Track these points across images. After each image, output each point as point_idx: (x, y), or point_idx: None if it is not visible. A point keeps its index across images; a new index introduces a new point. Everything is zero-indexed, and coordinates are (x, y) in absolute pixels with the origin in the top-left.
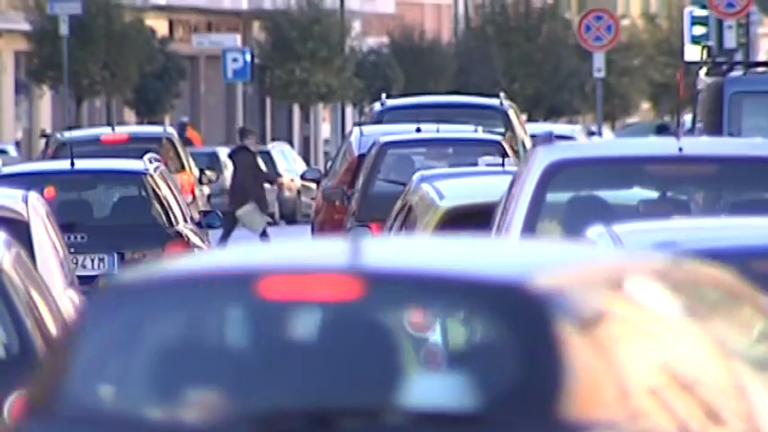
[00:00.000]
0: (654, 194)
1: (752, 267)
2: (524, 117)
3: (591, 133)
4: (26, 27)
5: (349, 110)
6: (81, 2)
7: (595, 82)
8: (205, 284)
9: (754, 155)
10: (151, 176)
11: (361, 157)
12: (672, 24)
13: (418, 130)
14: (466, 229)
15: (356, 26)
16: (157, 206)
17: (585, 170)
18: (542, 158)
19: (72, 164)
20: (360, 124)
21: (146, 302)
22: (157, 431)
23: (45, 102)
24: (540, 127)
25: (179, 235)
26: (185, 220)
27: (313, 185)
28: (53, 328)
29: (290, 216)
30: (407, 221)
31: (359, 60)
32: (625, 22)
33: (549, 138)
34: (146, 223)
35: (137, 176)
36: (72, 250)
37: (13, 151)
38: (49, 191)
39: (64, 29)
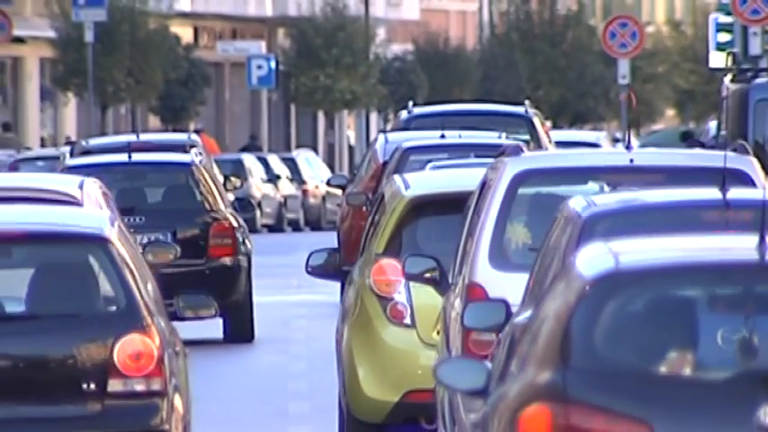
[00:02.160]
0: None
1: (700, 215)
2: (549, 124)
3: (615, 140)
4: (51, 34)
5: (373, 116)
6: (106, 9)
7: (620, 89)
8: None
9: (695, 165)
10: (196, 167)
11: (386, 163)
12: (697, 31)
13: (443, 136)
14: (429, 218)
15: (381, 33)
16: (202, 192)
17: (548, 178)
18: (511, 168)
19: (129, 157)
20: (384, 131)
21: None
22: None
23: (70, 109)
24: (565, 134)
25: (222, 217)
26: (225, 206)
27: (338, 192)
28: (147, 287)
29: (314, 223)
30: (378, 211)
31: (383, 67)
32: (650, 29)
33: (517, 150)
34: (193, 207)
35: (185, 167)
36: (132, 230)
37: None
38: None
39: (89, 36)
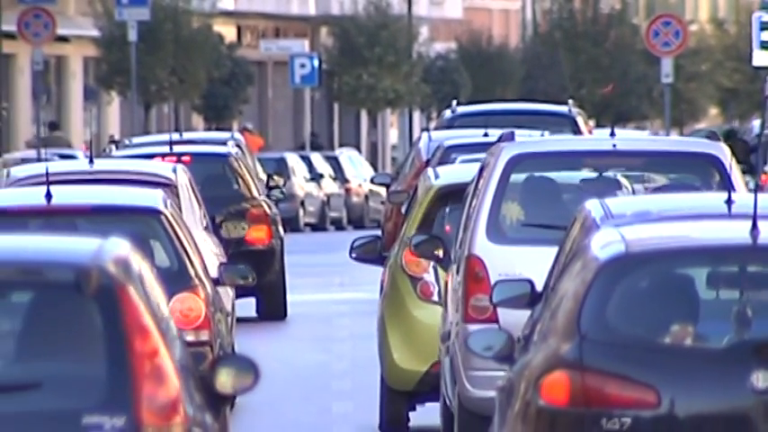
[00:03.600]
0: (593, 176)
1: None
2: (592, 123)
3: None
4: (95, 33)
5: (416, 115)
6: (149, 8)
7: (663, 87)
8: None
9: (673, 150)
10: (233, 158)
11: (429, 161)
12: (740, 29)
13: (486, 134)
14: (454, 205)
15: (424, 31)
16: (239, 181)
17: (539, 161)
18: (506, 152)
19: (171, 148)
20: (427, 129)
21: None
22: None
23: (113, 107)
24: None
25: (257, 204)
26: (259, 193)
27: (381, 190)
28: (195, 253)
29: (357, 221)
30: (412, 200)
31: (426, 66)
32: (693, 28)
33: (511, 136)
34: (230, 195)
35: (222, 158)
36: None
37: (81, 157)
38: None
39: (132, 35)
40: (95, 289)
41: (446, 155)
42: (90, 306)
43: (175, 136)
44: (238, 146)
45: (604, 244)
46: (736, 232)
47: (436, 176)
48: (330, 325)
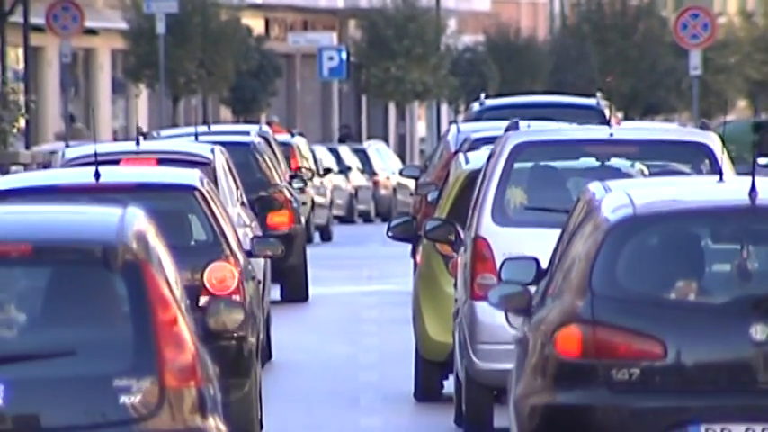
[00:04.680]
0: (595, 164)
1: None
2: (620, 115)
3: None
4: (123, 26)
5: (444, 108)
6: (177, 0)
7: (692, 80)
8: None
9: (665, 139)
10: (255, 146)
11: (457, 153)
12: None
13: (528, 126)
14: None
15: (452, 24)
16: (262, 168)
17: (541, 149)
18: (511, 140)
19: (196, 138)
20: (455, 122)
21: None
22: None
23: (141, 100)
24: (634, 125)
25: (279, 190)
26: (281, 181)
27: (409, 183)
28: (228, 227)
29: (385, 214)
30: (444, 185)
31: (454, 58)
32: (722, 20)
33: (516, 125)
34: (253, 181)
35: (245, 146)
36: None
37: None
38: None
39: (160, 27)
40: (121, 264)
41: (473, 147)
42: (116, 280)
43: (203, 129)
44: (265, 137)
45: (614, 207)
46: (736, 194)
47: (467, 161)
48: (358, 317)
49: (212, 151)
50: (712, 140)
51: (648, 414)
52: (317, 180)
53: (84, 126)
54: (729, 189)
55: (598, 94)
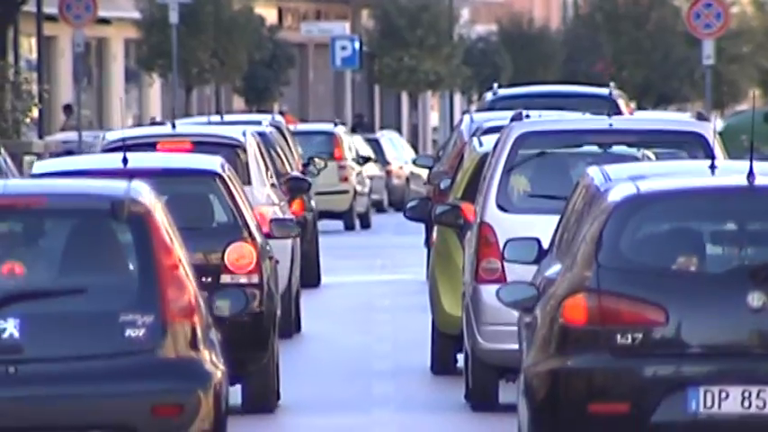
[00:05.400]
0: (598, 151)
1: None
2: (634, 105)
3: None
4: (136, 15)
5: (457, 97)
6: None
7: (705, 69)
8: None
9: (661, 128)
10: (266, 136)
11: None
12: None
13: (527, 116)
14: None
15: (465, 13)
16: (272, 157)
17: (544, 138)
18: (515, 130)
19: (217, 120)
20: (468, 112)
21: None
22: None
23: (154, 90)
24: (648, 114)
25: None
26: (293, 169)
27: (422, 173)
28: (248, 209)
29: (398, 204)
30: (459, 167)
31: (467, 48)
32: (735, 10)
33: (520, 116)
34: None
35: (258, 136)
36: None
37: None
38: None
39: (173, 17)
40: (127, 215)
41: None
42: (123, 228)
43: (216, 118)
44: (277, 127)
45: (619, 190)
46: (736, 177)
47: (480, 144)
48: (371, 307)
49: (244, 134)
50: (707, 130)
51: (650, 377)
52: (358, 168)
53: (73, 116)
54: (730, 171)
55: (611, 84)
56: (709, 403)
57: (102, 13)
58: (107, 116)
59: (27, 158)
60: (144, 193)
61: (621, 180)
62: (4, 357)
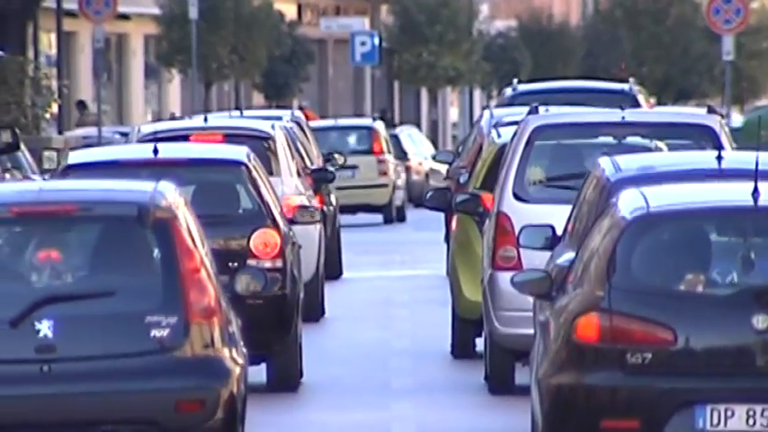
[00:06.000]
0: (613, 142)
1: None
2: (653, 100)
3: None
4: (155, 11)
5: (477, 93)
6: None
7: (724, 65)
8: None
9: (672, 121)
10: (287, 132)
11: None
12: None
13: (546, 111)
14: None
15: (484, 9)
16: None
17: (559, 131)
18: (531, 123)
19: (237, 115)
20: (488, 107)
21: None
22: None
23: (174, 85)
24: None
25: (307, 174)
26: (312, 164)
27: (442, 168)
28: (272, 198)
29: (417, 199)
30: (478, 154)
31: (487, 44)
32: (754, 5)
33: (536, 109)
34: None
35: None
36: None
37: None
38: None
39: (193, 12)
40: (153, 221)
41: None
42: (149, 234)
43: (236, 114)
44: (297, 122)
45: (629, 205)
46: (741, 194)
47: (498, 136)
48: (390, 302)
49: (273, 127)
50: (716, 123)
51: (659, 394)
52: (395, 162)
53: (96, 112)
54: (735, 190)
55: (631, 80)
56: (715, 421)
57: (121, 9)
58: (126, 112)
59: (46, 154)
60: (169, 195)
61: (629, 179)
62: (39, 356)
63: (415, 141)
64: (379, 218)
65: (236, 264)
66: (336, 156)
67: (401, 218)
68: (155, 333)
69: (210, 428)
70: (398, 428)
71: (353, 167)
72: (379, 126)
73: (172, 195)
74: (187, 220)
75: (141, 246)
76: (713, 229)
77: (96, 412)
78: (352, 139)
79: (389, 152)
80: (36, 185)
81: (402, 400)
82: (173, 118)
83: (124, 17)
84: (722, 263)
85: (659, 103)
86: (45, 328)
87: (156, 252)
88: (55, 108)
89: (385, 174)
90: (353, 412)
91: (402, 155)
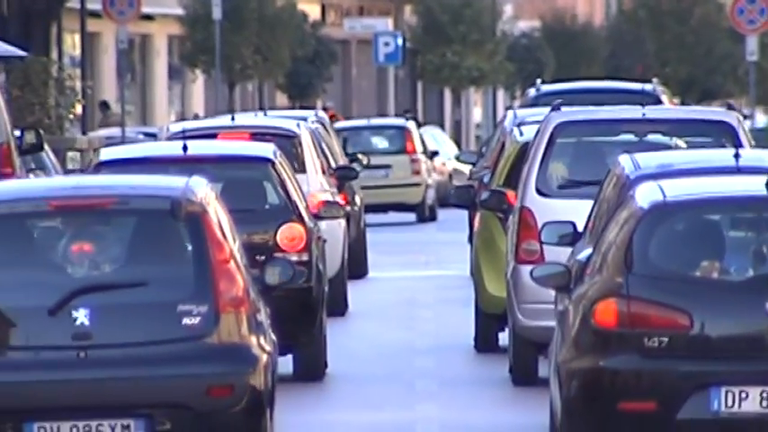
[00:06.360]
0: (635, 139)
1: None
2: (677, 101)
3: (744, 116)
4: (179, 11)
5: (500, 93)
6: None
7: (748, 65)
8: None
9: (691, 118)
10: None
11: None
12: None
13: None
14: None
15: (508, 9)
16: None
17: (580, 127)
18: (554, 119)
19: (262, 114)
20: (511, 108)
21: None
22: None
23: (197, 86)
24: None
25: (331, 174)
26: (336, 162)
27: (465, 168)
28: (298, 193)
29: (441, 199)
30: (501, 154)
31: (510, 44)
32: None
33: (558, 107)
34: None
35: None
36: None
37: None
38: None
39: (217, 13)
40: (185, 214)
41: None
42: (181, 227)
43: (260, 114)
44: (321, 123)
45: (646, 195)
46: (755, 186)
47: (521, 134)
48: (414, 303)
49: (298, 126)
50: (734, 120)
51: (675, 377)
52: (428, 162)
53: (119, 113)
54: (749, 182)
55: (654, 80)
56: (730, 402)
57: (145, 10)
58: (150, 112)
59: (70, 154)
60: (201, 189)
61: (648, 176)
62: (77, 343)
63: (439, 142)
64: (407, 217)
65: (263, 257)
66: (361, 156)
67: (433, 217)
68: (186, 321)
69: (240, 412)
70: (422, 429)
71: (387, 167)
72: (412, 126)
73: (203, 190)
74: (218, 214)
75: (173, 238)
76: (728, 217)
77: (130, 397)
78: (385, 139)
79: (423, 151)
80: (73, 180)
81: (426, 400)
82: (196, 118)
83: (148, 18)
84: (737, 250)
85: (683, 104)
86: (82, 316)
87: (187, 244)
88: (78, 109)
89: (418, 173)
90: (378, 412)
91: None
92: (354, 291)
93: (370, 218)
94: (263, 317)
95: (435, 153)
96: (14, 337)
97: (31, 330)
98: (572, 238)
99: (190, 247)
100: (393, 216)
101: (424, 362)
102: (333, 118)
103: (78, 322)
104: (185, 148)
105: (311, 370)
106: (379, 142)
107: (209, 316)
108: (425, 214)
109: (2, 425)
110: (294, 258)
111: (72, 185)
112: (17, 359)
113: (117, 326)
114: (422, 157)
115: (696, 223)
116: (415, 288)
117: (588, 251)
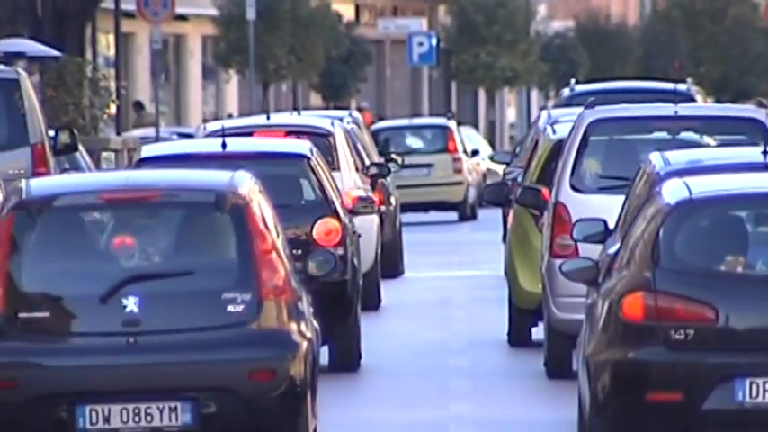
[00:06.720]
0: (667, 137)
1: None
2: (711, 101)
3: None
4: (213, 12)
5: (534, 94)
6: None
7: None
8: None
9: (721, 115)
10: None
11: None
12: None
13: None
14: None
15: (542, 9)
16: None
17: (613, 124)
18: (588, 117)
19: (292, 114)
20: (545, 108)
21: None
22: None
23: (231, 86)
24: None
25: (366, 173)
26: (370, 162)
27: (499, 169)
28: (333, 190)
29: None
30: (534, 151)
31: (544, 44)
32: None
33: (592, 105)
34: None
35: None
36: None
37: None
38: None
39: (251, 13)
40: (229, 207)
41: None
42: (226, 218)
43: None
44: (356, 123)
45: (673, 192)
46: None
47: (554, 132)
48: (448, 303)
49: (332, 124)
50: (763, 116)
51: (701, 369)
52: (469, 162)
53: (153, 113)
54: None
55: (688, 80)
56: (754, 393)
57: (179, 10)
58: (184, 113)
59: (104, 155)
60: (245, 183)
61: (677, 172)
62: (126, 330)
63: (473, 142)
64: (448, 216)
65: (299, 251)
66: (396, 156)
67: (474, 215)
68: (230, 308)
69: (281, 395)
70: (456, 428)
71: (428, 165)
72: (453, 125)
73: (247, 184)
74: (261, 207)
75: (218, 229)
76: (753, 213)
77: (177, 381)
78: (427, 138)
79: (464, 151)
80: (123, 174)
81: (460, 399)
82: (230, 119)
83: (182, 18)
84: (761, 245)
85: (717, 103)
86: (131, 303)
87: (231, 235)
88: (113, 109)
89: (460, 172)
90: (412, 410)
91: None
92: (389, 290)
93: (412, 217)
94: (304, 306)
95: (476, 152)
96: (68, 324)
97: (83, 318)
98: (603, 236)
99: (234, 238)
100: (434, 215)
101: (457, 360)
102: (370, 125)
103: (128, 310)
104: (224, 144)
105: (346, 360)
106: (421, 141)
107: (252, 304)
108: (467, 213)
109: (56, 407)
110: None
111: (122, 179)
112: (70, 345)
113: (164, 313)
114: (463, 156)
115: (721, 219)
116: (449, 288)
117: (617, 246)
